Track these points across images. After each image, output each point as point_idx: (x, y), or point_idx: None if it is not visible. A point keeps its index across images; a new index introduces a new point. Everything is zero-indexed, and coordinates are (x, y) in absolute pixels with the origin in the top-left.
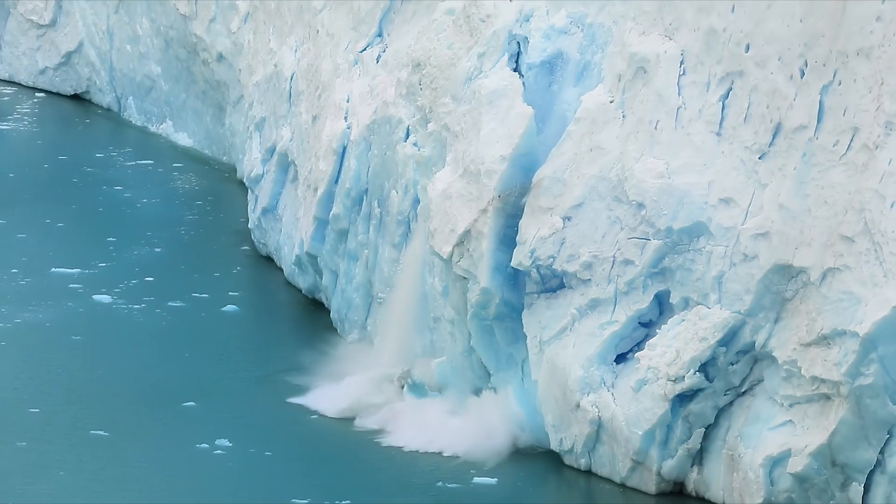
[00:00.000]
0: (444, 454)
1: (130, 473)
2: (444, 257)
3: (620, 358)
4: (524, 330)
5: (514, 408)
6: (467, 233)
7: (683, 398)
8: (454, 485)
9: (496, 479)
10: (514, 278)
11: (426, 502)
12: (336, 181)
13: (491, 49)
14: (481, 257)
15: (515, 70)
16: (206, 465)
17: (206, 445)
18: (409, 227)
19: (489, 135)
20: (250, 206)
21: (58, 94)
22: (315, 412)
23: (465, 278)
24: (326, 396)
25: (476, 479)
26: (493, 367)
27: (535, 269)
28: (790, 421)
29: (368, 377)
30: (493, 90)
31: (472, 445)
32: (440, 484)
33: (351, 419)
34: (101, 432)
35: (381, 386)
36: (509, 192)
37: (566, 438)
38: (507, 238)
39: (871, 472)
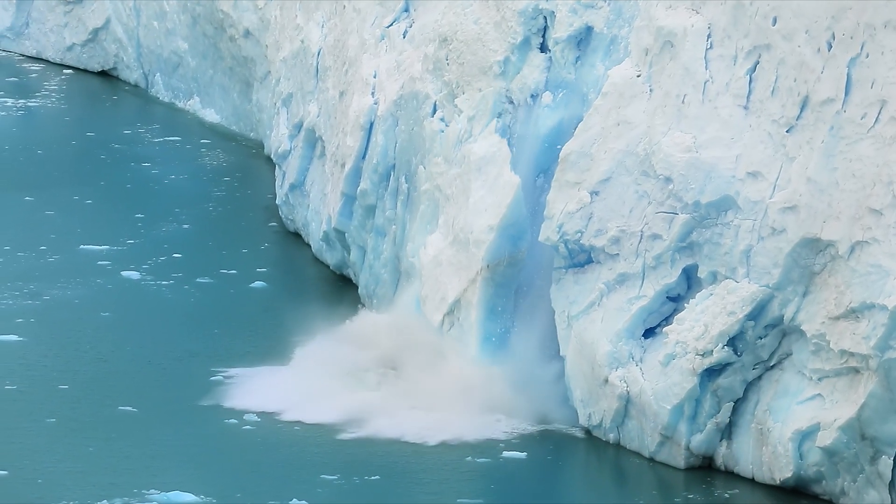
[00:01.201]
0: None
1: (159, 449)
2: (435, 325)
3: (648, 332)
4: (552, 305)
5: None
6: (457, 302)
7: (712, 372)
8: (483, 459)
9: (526, 454)
10: (505, 347)
11: (457, 478)
12: (363, 157)
13: (480, 112)
14: (471, 328)
15: (542, 46)
16: (235, 440)
17: (235, 421)
18: (437, 203)
19: (478, 203)
20: (278, 182)
21: (85, 71)
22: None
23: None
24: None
25: (505, 454)
26: None
27: (562, 244)
28: (819, 395)
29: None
30: (481, 156)
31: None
32: (469, 459)
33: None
34: (130, 408)
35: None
36: (498, 262)
37: (594, 413)
38: (497, 308)
39: None
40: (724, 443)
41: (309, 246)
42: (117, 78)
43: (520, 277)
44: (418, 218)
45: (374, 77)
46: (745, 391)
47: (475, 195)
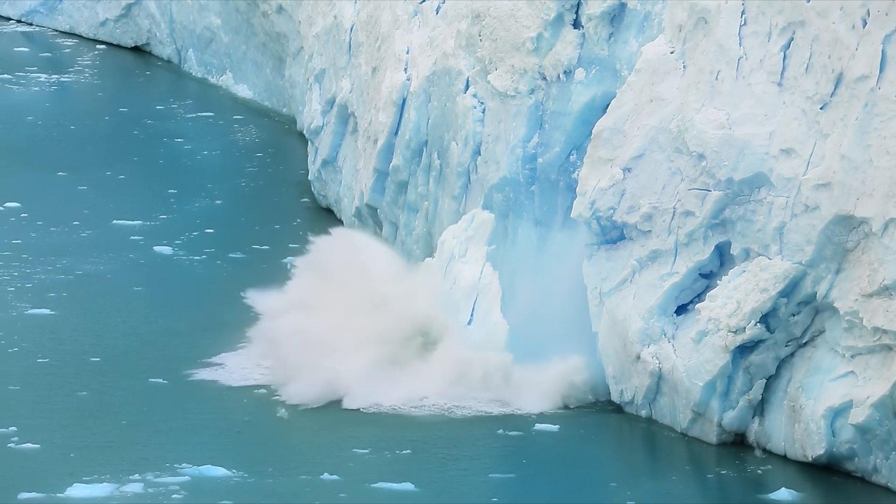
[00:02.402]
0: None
1: (190, 423)
2: None
3: (681, 309)
4: (584, 281)
5: None
6: None
7: (744, 349)
8: (515, 432)
9: (558, 427)
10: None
11: (489, 452)
12: (396, 133)
13: (479, 233)
14: None
15: (575, 22)
16: (266, 413)
17: (265, 391)
18: (469, 179)
19: (467, 333)
20: (310, 158)
21: (118, 47)
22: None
23: None
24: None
25: (538, 426)
26: None
27: (594, 221)
28: (852, 372)
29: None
30: (471, 285)
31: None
32: (501, 431)
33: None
34: (160, 380)
35: None
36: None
37: (626, 390)
38: None
39: None
40: (757, 420)
41: (341, 221)
42: (150, 53)
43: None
44: None
45: (407, 53)
46: (778, 368)
47: (468, 324)
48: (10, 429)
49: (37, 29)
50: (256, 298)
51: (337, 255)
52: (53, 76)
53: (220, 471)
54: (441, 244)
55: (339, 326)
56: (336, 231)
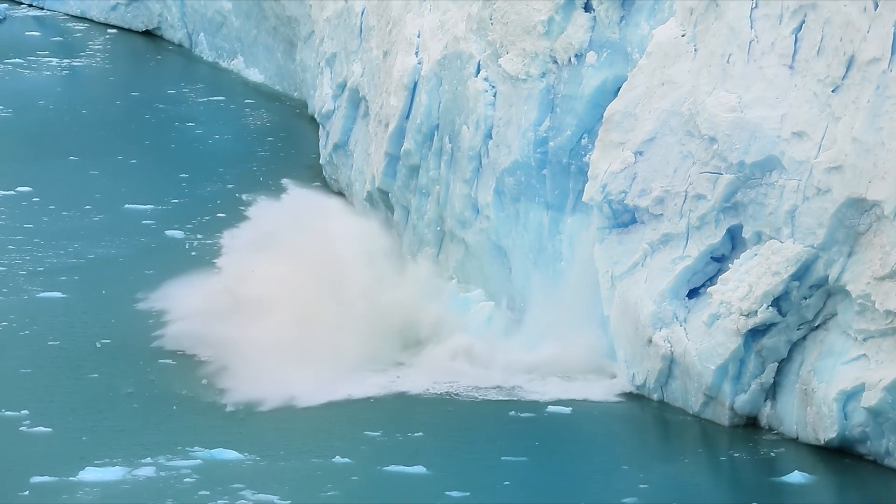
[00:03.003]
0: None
1: (201, 406)
2: None
3: (693, 293)
4: (596, 265)
5: None
6: None
7: (756, 333)
8: (527, 414)
9: (570, 409)
10: None
11: (500, 435)
12: (407, 117)
13: (477, 316)
14: None
15: (586, 5)
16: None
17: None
18: (480, 163)
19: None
20: (321, 142)
21: (129, 31)
22: None
23: None
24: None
25: (550, 409)
26: None
27: (606, 204)
28: (864, 355)
29: None
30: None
31: None
32: (513, 413)
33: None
34: (170, 362)
35: None
36: None
37: (638, 373)
38: None
39: None
40: (769, 403)
41: (353, 205)
42: (161, 37)
43: None
44: None
45: (418, 37)
46: (790, 351)
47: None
48: (22, 412)
49: (48, 13)
50: (178, 291)
51: (293, 223)
52: (65, 60)
53: (231, 454)
54: (440, 293)
55: (296, 332)
56: (293, 191)
